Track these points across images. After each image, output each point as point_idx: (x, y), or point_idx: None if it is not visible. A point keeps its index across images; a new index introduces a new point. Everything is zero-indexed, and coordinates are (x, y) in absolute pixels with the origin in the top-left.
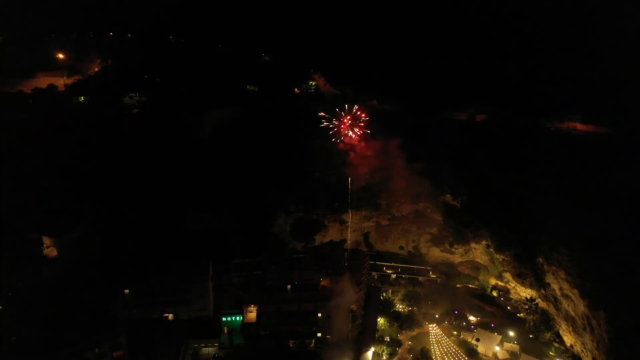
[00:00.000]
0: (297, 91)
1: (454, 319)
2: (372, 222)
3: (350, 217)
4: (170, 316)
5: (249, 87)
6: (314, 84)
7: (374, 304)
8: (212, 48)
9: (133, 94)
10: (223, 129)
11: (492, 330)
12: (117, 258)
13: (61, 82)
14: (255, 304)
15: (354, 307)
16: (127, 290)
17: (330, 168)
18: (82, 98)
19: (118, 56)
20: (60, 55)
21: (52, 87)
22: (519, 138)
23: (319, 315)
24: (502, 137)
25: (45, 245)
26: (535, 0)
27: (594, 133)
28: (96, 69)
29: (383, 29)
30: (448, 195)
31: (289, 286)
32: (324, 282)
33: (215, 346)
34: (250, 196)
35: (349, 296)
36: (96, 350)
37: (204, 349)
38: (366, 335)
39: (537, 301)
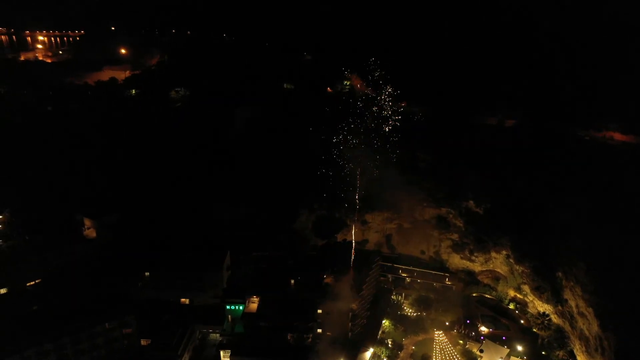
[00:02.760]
0: (330, 90)
1: (463, 328)
2: (394, 224)
3: (353, 226)
4: (187, 301)
5: (286, 85)
6: (348, 83)
7: (381, 306)
8: (259, 46)
9: (179, 89)
10: (255, 124)
11: (503, 343)
12: (145, 243)
13: (123, 76)
14: (257, 295)
15: (354, 306)
16: (148, 274)
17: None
18: (134, 91)
19: (175, 52)
20: (123, 51)
21: (113, 80)
22: (549, 146)
23: (319, 311)
24: (531, 144)
25: (86, 227)
26: (577, 5)
27: (633, 144)
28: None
29: (420, 32)
30: (471, 202)
31: (292, 280)
32: (327, 280)
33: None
34: (275, 191)
35: (349, 295)
36: (106, 325)
37: (212, 334)
38: (367, 336)
39: (550, 317)
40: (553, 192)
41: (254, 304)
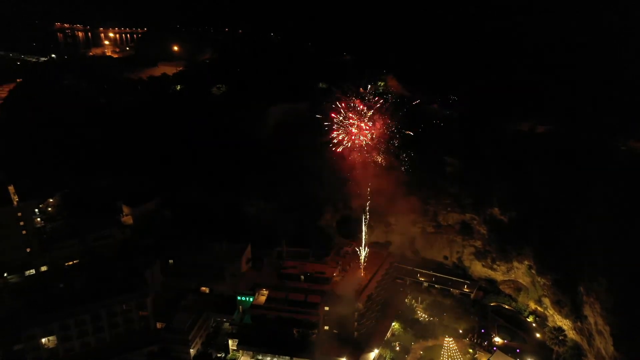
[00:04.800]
0: (362, 90)
1: (476, 337)
2: (418, 227)
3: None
4: (207, 289)
5: (321, 84)
6: (382, 84)
7: (393, 308)
8: (303, 45)
9: (220, 85)
10: (286, 122)
11: (516, 356)
12: (173, 232)
13: (174, 71)
14: (266, 288)
15: (360, 305)
16: (172, 261)
17: None
18: (179, 87)
19: (224, 50)
20: (175, 48)
21: (164, 75)
22: (581, 155)
23: (326, 308)
24: (562, 152)
25: (124, 214)
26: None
27: None
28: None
29: (457, 36)
30: (496, 209)
31: (302, 276)
32: (336, 278)
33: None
34: (300, 188)
35: (356, 295)
36: (124, 306)
37: (226, 323)
38: (373, 336)
39: (565, 332)
40: (580, 204)
41: (262, 297)
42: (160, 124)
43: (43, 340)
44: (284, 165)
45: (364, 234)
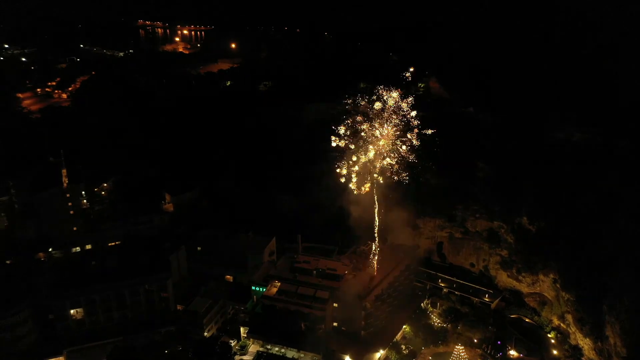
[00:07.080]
0: (401, 92)
1: (490, 348)
2: (445, 232)
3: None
4: (231, 278)
5: (362, 84)
6: (422, 85)
7: (405, 310)
8: (353, 44)
9: (267, 82)
10: (321, 120)
11: None
12: (209, 221)
13: (229, 67)
14: (278, 280)
15: (368, 304)
16: (200, 248)
17: None
18: (229, 82)
19: (278, 48)
20: (233, 45)
21: (220, 71)
22: (618, 167)
23: (335, 305)
24: (598, 162)
25: (166, 201)
26: None
27: None
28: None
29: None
30: (525, 218)
31: (314, 272)
32: (348, 276)
33: None
34: (332, 186)
35: (361, 294)
36: (146, 286)
37: (242, 314)
38: (381, 337)
39: (583, 352)
40: (611, 217)
41: (274, 288)
42: (206, 117)
43: (72, 311)
44: (317, 163)
45: (375, 234)
